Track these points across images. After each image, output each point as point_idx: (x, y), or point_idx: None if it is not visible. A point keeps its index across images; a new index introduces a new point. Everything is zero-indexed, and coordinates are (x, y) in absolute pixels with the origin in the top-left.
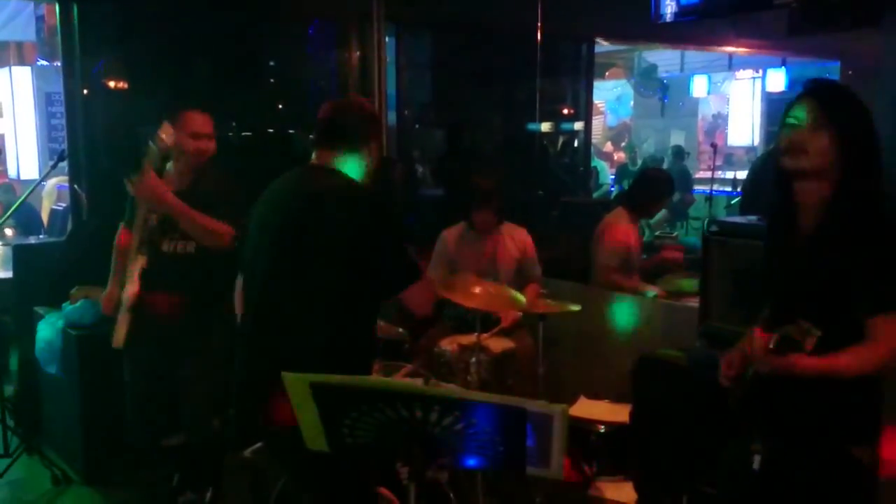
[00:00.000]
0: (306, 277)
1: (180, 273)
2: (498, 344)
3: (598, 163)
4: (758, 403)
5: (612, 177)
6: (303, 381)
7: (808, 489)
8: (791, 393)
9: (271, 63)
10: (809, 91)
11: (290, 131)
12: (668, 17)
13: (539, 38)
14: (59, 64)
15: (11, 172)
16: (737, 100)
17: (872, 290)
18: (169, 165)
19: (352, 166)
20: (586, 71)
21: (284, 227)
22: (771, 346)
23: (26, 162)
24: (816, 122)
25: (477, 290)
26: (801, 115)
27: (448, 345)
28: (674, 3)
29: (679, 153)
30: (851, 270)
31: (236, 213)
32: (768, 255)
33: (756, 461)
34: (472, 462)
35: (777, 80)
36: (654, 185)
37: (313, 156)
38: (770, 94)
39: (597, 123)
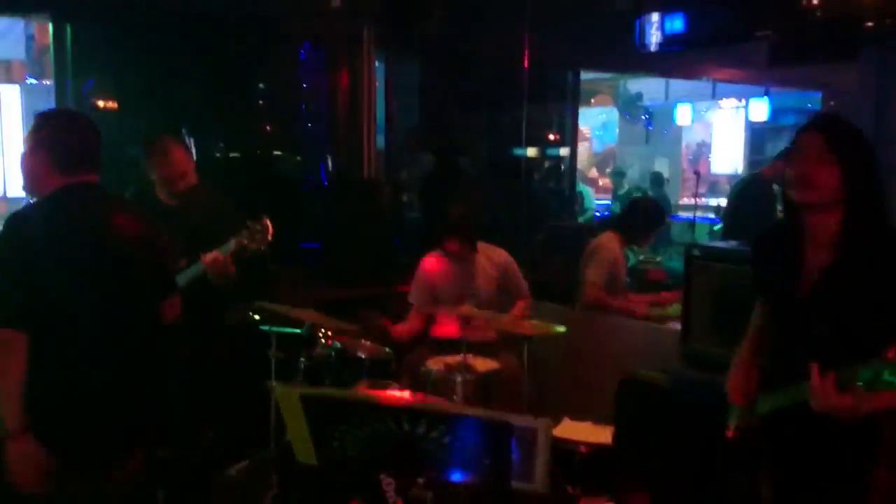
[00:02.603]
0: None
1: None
2: (483, 364)
3: (583, 188)
4: (770, 434)
5: (608, 202)
6: (293, 394)
7: None
8: (815, 423)
9: (261, 85)
10: (815, 125)
11: (276, 152)
12: (653, 47)
13: (526, 64)
14: (48, 83)
15: None
16: (720, 128)
17: None
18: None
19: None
20: (572, 97)
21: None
22: (841, 381)
23: (14, 180)
24: (823, 155)
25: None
26: (808, 148)
27: (434, 364)
28: (658, 34)
29: (658, 180)
30: (877, 300)
31: (234, 229)
32: (772, 287)
33: (764, 489)
34: (458, 476)
35: (760, 110)
36: (646, 216)
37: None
38: (753, 123)
39: (582, 149)
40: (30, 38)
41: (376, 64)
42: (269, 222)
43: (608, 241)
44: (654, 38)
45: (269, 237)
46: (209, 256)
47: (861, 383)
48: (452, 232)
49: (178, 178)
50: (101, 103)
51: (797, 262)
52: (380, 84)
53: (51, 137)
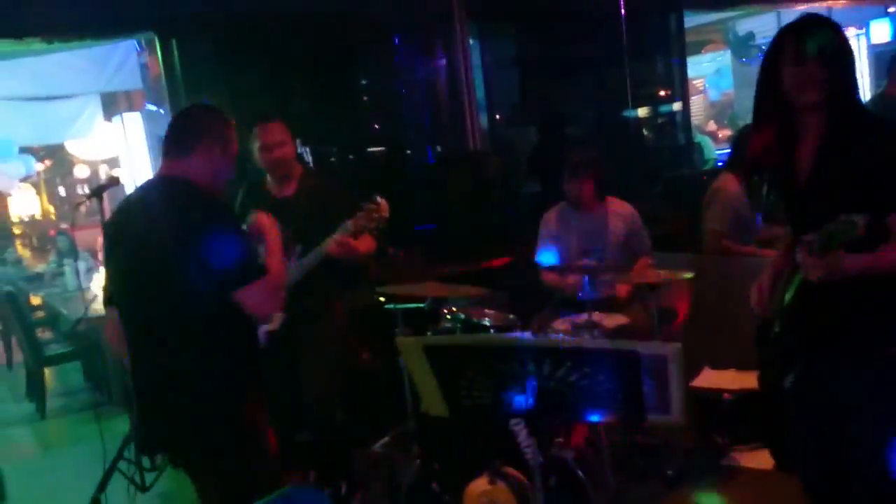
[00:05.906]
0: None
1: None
2: (611, 320)
3: (701, 138)
4: (799, 324)
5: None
6: (417, 344)
7: (855, 395)
8: (836, 302)
9: (363, 81)
10: (803, 28)
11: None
12: None
13: (623, 13)
14: (163, 111)
15: None
16: None
17: (890, 188)
18: (269, 178)
19: (201, 169)
20: (678, 46)
21: (140, 248)
22: (815, 247)
23: None
24: (821, 55)
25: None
26: (810, 49)
27: (561, 325)
28: None
29: None
30: (866, 174)
31: (348, 211)
32: (776, 184)
33: (788, 380)
34: (592, 416)
35: (882, 31)
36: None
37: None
38: (875, 46)
39: (697, 101)
40: (144, 67)
41: (471, 41)
42: (382, 200)
43: (726, 183)
44: None
45: (386, 213)
46: (331, 243)
47: (824, 243)
48: (580, 173)
49: (275, 147)
50: None
51: (793, 159)
52: (476, 63)
53: None
